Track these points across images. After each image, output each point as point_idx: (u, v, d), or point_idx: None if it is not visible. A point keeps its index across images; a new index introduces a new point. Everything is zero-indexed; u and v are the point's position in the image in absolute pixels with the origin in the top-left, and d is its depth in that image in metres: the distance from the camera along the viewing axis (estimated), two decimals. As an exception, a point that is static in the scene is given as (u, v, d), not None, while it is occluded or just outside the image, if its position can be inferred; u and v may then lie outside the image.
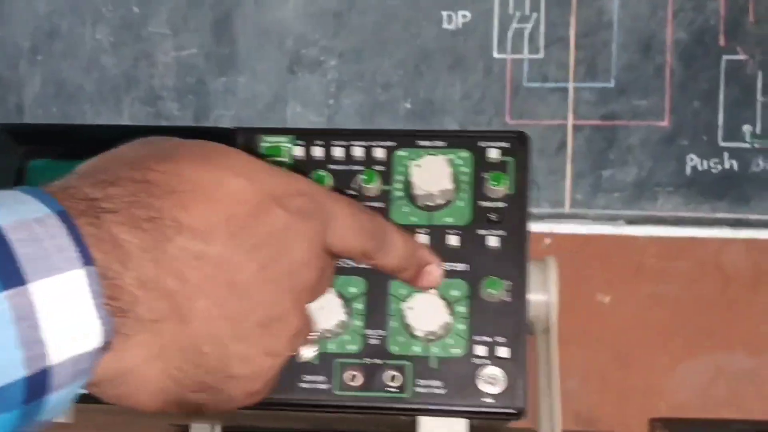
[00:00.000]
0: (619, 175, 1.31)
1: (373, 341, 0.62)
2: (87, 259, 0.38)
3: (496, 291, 0.61)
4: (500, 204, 0.64)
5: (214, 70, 1.31)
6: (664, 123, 1.30)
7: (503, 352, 0.61)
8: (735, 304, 1.29)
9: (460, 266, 0.63)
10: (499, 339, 0.62)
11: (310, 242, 0.48)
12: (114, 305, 0.40)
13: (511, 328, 0.62)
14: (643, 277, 1.31)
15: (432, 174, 0.62)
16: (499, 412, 0.61)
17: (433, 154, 0.63)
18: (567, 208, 1.32)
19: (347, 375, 0.61)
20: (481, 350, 0.62)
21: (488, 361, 0.61)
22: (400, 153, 0.64)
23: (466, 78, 1.32)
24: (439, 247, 0.62)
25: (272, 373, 0.49)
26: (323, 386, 0.61)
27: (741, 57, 1.30)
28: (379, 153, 0.63)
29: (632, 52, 1.30)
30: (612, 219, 1.31)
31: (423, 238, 0.62)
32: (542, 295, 0.68)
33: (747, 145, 1.29)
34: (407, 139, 0.64)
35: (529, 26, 1.32)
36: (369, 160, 0.63)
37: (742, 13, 1.30)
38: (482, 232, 0.63)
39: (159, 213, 0.42)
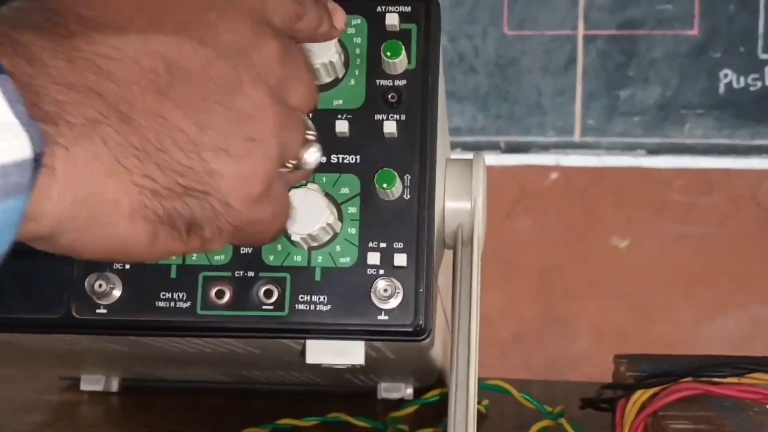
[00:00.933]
0: (639, 95, 1.30)
1: (244, 249, 0.60)
2: None
3: (391, 187, 0.58)
4: (400, 82, 0.61)
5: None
6: (694, 31, 1.28)
7: (401, 259, 0.59)
8: (776, 246, 1.29)
9: (350, 158, 0.61)
10: (397, 245, 0.59)
11: (250, 12, 0.47)
12: (37, 112, 0.39)
13: (411, 232, 0.59)
14: (667, 217, 1.31)
15: (312, 44, 0.59)
16: (396, 330, 0.59)
17: (316, 20, 0.60)
18: (577, 136, 1.31)
19: (213, 291, 0.59)
20: (374, 258, 0.59)
21: (383, 271, 0.59)
22: None
23: (456, -19, 1.31)
24: (325, 135, 0.59)
25: (267, 165, 0.46)
26: (184, 305, 0.59)
27: (785, -50, 1.28)
28: None
29: (654, -53, 1.29)
30: (630, 148, 1.30)
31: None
32: (464, 201, 0.65)
33: (792, 57, 1.28)
34: (290, 4, 0.61)
35: None
36: None
37: None
38: (378, 116, 0.61)
39: (55, 14, 0.42)
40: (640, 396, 0.67)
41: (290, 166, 0.49)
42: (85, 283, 0.59)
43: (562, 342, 1.32)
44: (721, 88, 1.29)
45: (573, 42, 1.31)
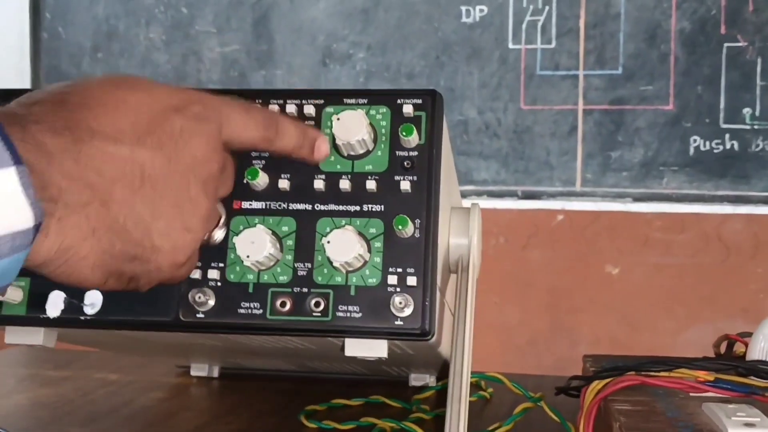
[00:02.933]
0: (626, 155, 1.32)
1: (301, 272, 0.64)
2: (17, 159, 0.44)
3: (405, 228, 0.63)
4: (413, 153, 0.66)
5: (254, 65, 1.37)
6: (669, 107, 1.31)
7: (412, 281, 0.63)
8: (735, 273, 1.30)
9: (377, 207, 0.65)
10: (409, 270, 0.64)
11: (207, 140, 0.55)
12: (44, 194, 0.46)
13: (420, 261, 0.64)
14: (650, 250, 1.32)
15: (349, 126, 0.65)
16: (408, 332, 0.63)
17: (352, 109, 0.66)
18: (578, 187, 1.34)
19: (278, 302, 0.63)
20: (393, 280, 0.63)
21: (399, 289, 0.64)
22: (328, 110, 0.68)
23: (484, 67, 1.35)
24: (359, 191, 0.65)
25: (193, 246, 0.55)
26: (258, 311, 0.64)
27: (741, 44, 1.30)
28: (310, 110, 0.67)
29: (638, 41, 1.32)
30: (620, 196, 1.33)
31: (346, 184, 0.65)
32: (463, 238, 0.70)
33: (747, 127, 1.29)
34: (335, 97, 0.68)
35: (541, 18, 1.34)
36: (300, 117, 0.67)
37: (741, 2, 1.30)
38: (397, 177, 0.65)
39: (75, 123, 0.49)
40: (596, 385, 0.69)
41: (204, 239, 0.60)
42: (189, 295, 0.64)
43: (567, 347, 1.33)
44: (691, 151, 1.31)
45: (574, 115, 1.33)
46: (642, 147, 1.32)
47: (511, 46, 1.35)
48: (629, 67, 1.32)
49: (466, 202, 1.38)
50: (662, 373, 0.70)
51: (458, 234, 0.71)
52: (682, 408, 0.65)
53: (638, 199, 1.32)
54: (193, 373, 0.98)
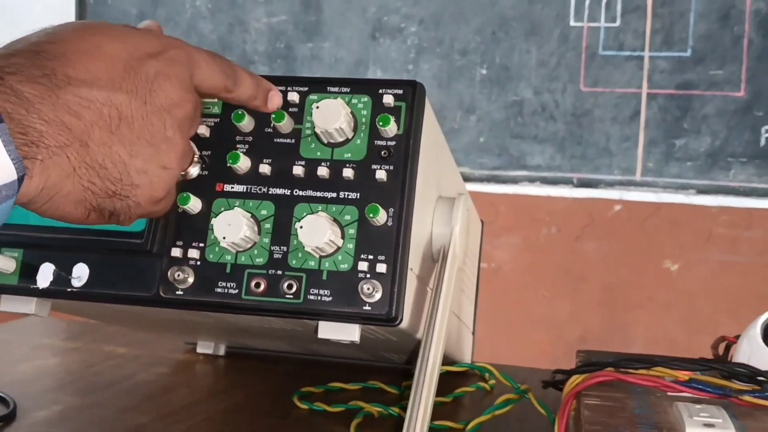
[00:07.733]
0: (692, 144, 1.39)
1: (276, 255, 0.74)
2: None
3: (376, 216, 0.72)
4: (391, 143, 0.74)
5: (301, 36, 1.47)
6: (740, 93, 1.35)
7: (382, 268, 0.72)
8: (804, 275, 1.34)
9: (352, 195, 0.74)
10: (380, 257, 0.72)
11: (181, 83, 0.65)
12: (25, 139, 0.55)
13: (391, 249, 0.72)
14: (714, 246, 1.38)
15: (327, 114, 0.74)
16: (375, 317, 0.72)
17: (333, 97, 0.75)
18: (638, 176, 1.40)
19: (253, 283, 0.72)
20: (364, 266, 0.72)
21: (369, 275, 0.72)
22: (312, 97, 0.77)
23: (542, 45, 1.43)
24: (336, 178, 0.74)
25: (170, 182, 0.66)
26: (233, 291, 0.73)
27: (821, 26, 1.34)
28: (294, 97, 0.77)
29: (710, 22, 1.37)
30: (683, 188, 1.38)
31: (324, 171, 0.74)
32: (445, 228, 0.79)
33: (824, 117, 1.33)
34: (319, 85, 0.77)
35: (605, -5, 1.40)
36: (285, 103, 0.77)
37: (824, -19, 1.34)
38: (374, 166, 0.74)
39: (51, 71, 0.57)
40: (575, 380, 0.75)
41: (181, 175, 0.70)
42: (169, 273, 0.74)
43: (620, 346, 1.38)
44: (762, 141, 1.36)
45: (638, 99, 1.39)
46: (709, 136, 1.38)
47: (572, 23, 1.42)
48: (699, 50, 1.37)
49: (519, 189, 1.45)
50: (640, 371, 0.77)
51: (441, 224, 0.80)
52: (654, 406, 0.71)
53: (703, 191, 1.38)
54: (199, 350, 1.09)
